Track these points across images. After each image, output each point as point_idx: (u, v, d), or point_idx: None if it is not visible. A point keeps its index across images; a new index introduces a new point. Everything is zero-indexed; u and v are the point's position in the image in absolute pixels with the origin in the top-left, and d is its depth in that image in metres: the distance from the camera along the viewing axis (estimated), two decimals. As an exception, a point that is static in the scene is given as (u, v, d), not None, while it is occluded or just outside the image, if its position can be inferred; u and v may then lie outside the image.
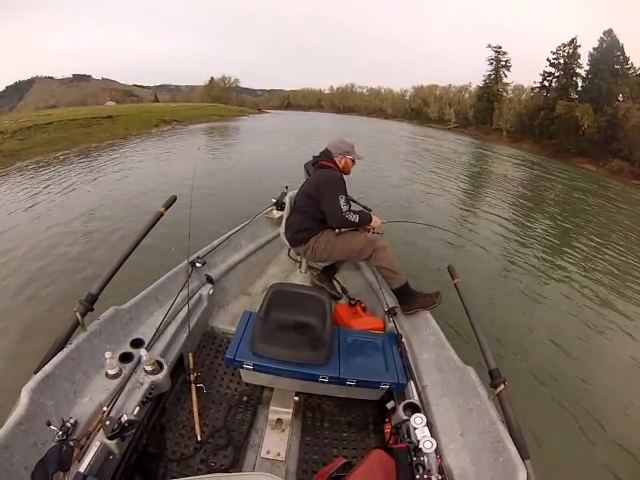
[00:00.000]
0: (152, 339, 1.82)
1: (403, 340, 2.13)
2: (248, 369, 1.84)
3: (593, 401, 3.29)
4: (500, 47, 46.75)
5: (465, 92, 53.21)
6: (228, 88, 69.47)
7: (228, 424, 1.89)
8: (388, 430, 1.78)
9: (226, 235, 2.82)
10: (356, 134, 26.84)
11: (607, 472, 2.68)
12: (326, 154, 2.51)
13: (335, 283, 2.96)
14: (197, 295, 2.32)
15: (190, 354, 2.02)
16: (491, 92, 46.47)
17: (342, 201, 2.27)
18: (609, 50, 36.32)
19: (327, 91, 76.78)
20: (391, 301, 2.46)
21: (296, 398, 2.01)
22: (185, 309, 2.12)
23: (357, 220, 2.31)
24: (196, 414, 1.81)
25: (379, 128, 36.87)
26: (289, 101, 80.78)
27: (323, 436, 1.94)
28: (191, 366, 1.99)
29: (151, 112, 26.17)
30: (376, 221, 2.48)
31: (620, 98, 35.98)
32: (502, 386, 1.53)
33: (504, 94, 46.32)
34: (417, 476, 1.22)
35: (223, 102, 54.11)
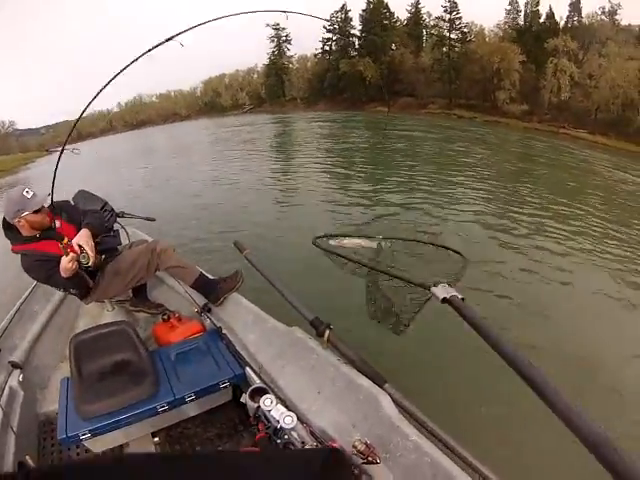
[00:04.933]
0: None
1: (224, 332, 2.11)
2: (87, 438, 1.67)
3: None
4: (278, 24, 46.66)
5: (253, 73, 52.56)
6: (4, 135, 58.30)
7: None
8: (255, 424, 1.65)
9: (15, 308, 2.45)
10: (154, 149, 25.45)
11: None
12: (7, 226, 2.08)
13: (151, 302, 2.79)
14: (7, 390, 1.94)
15: (28, 457, 1.67)
16: (278, 67, 46.64)
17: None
18: (376, 9, 40.35)
19: (116, 109, 67.98)
20: (201, 299, 2.39)
21: (156, 439, 1.87)
22: (0, 412, 1.79)
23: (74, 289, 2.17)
24: None
25: (177, 134, 33.80)
26: (78, 131, 69.20)
27: None
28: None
29: None
30: (68, 262, 1.90)
31: (393, 47, 40.19)
32: (328, 331, 1.60)
33: (290, 66, 47.11)
34: None
35: (3, 154, 46.62)
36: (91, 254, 1.95)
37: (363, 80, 37.15)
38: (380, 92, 35.92)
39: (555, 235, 6.21)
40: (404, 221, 6.41)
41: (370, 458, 1.21)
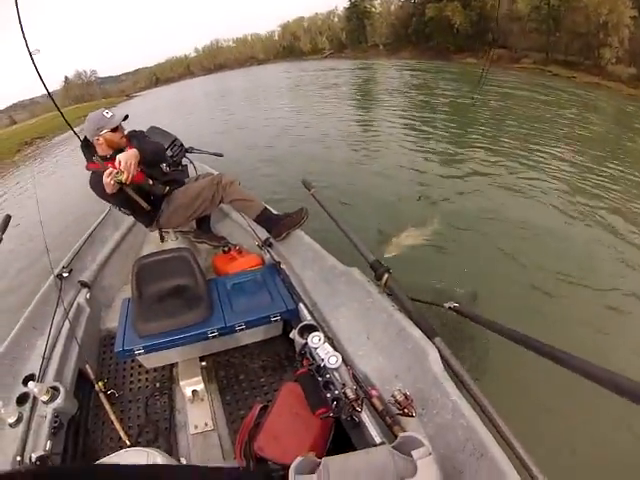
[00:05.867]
0: (41, 369, 1.67)
1: (282, 266, 2.13)
2: (141, 354, 1.78)
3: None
4: (356, -37, 45.23)
5: (333, 17, 50.96)
6: (87, 83, 63.47)
7: (150, 417, 1.82)
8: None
9: (87, 233, 2.60)
10: (231, 92, 25.37)
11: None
12: (85, 144, 2.18)
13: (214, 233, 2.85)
14: (75, 305, 2.11)
15: (88, 366, 1.85)
16: (359, 10, 45.08)
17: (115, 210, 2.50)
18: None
19: (193, 54, 69.89)
20: (263, 234, 2.40)
21: (203, 363, 1.93)
22: (67, 325, 1.94)
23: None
24: (116, 421, 1.67)
25: (256, 77, 33.66)
26: (157, 77, 71.12)
27: (241, 389, 1.90)
28: (92, 377, 1.82)
29: (9, 138, 25.31)
30: (106, 176, 1.92)
31: (485, -10, 37.53)
32: (386, 275, 1.58)
33: (372, 9, 45.37)
34: (329, 395, 1.25)
35: (86, 100, 51.03)
36: (124, 171, 1.89)
37: (451, 27, 35.41)
38: (470, 42, 34.44)
39: None
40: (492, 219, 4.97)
41: (406, 410, 1.19)
